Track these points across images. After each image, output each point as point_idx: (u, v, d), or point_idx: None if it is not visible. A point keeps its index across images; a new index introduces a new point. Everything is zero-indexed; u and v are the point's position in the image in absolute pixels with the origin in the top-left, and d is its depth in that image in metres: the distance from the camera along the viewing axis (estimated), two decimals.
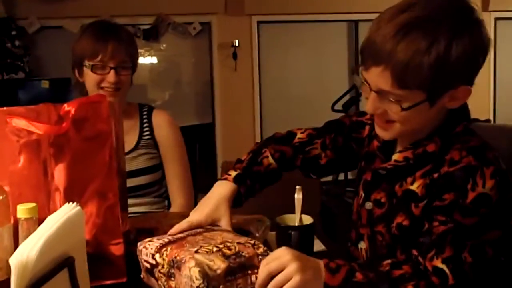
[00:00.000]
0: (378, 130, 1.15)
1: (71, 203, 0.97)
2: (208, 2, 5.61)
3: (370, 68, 1.03)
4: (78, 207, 0.96)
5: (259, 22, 5.81)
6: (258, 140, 6.01)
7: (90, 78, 1.80)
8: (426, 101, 1.02)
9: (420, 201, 1.11)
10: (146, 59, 5.84)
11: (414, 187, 1.12)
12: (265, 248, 1.05)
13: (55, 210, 1.00)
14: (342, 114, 4.96)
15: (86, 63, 1.80)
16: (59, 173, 1.12)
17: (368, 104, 1.08)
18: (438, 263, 1.01)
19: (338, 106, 4.93)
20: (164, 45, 5.83)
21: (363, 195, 1.24)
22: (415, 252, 1.04)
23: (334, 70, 6.04)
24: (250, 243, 1.05)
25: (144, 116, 1.95)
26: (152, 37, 5.60)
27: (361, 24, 5.66)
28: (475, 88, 1.06)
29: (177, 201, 1.91)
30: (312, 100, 6.02)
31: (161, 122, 1.95)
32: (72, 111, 1.11)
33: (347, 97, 5.02)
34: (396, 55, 0.97)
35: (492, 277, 1.05)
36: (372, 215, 1.21)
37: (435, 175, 1.08)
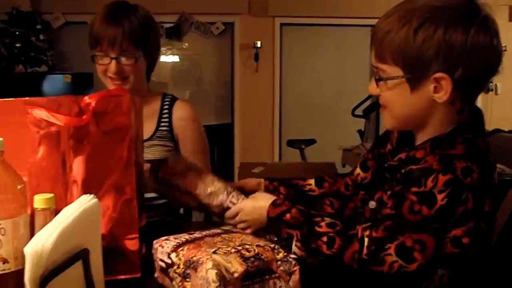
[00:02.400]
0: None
1: (88, 194, 0.97)
2: (231, 2, 5.63)
3: (372, 50, 1.13)
4: (95, 199, 0.96)
5: (282, 24, 5.81)
6: (276, 143, 5.99)
7: (97, 67, 1.75)
8: (403, 77, 1.06)
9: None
10: (168, 57, 5.87)
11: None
12: (285, 253, 1.02)
13: (72, 203, 1.00)
14: (362, 119, 4.92)
15: (91, 51, 1.75)
16: (78, 166, 1.11)
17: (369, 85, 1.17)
18: (365, 235, 1.01)
19: (359, 112, 4.88)
20: (186, 44, 5.86)
21: (371, 193, 1.25)
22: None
23: (356, 74, 6.00)
24: (270, 246, 1.03)
25: (165, 106, 1.86)
26: (174, 35, 5.63)
27: None
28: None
29: None
30: (332, 104, 5.99)
31: (182, 116, 1.85)
32: (93, 104, 1.10)
33: (368, 103, 4.97)
34: (379, 32, 1.09)
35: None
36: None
37: (403, 171, 1.08)
